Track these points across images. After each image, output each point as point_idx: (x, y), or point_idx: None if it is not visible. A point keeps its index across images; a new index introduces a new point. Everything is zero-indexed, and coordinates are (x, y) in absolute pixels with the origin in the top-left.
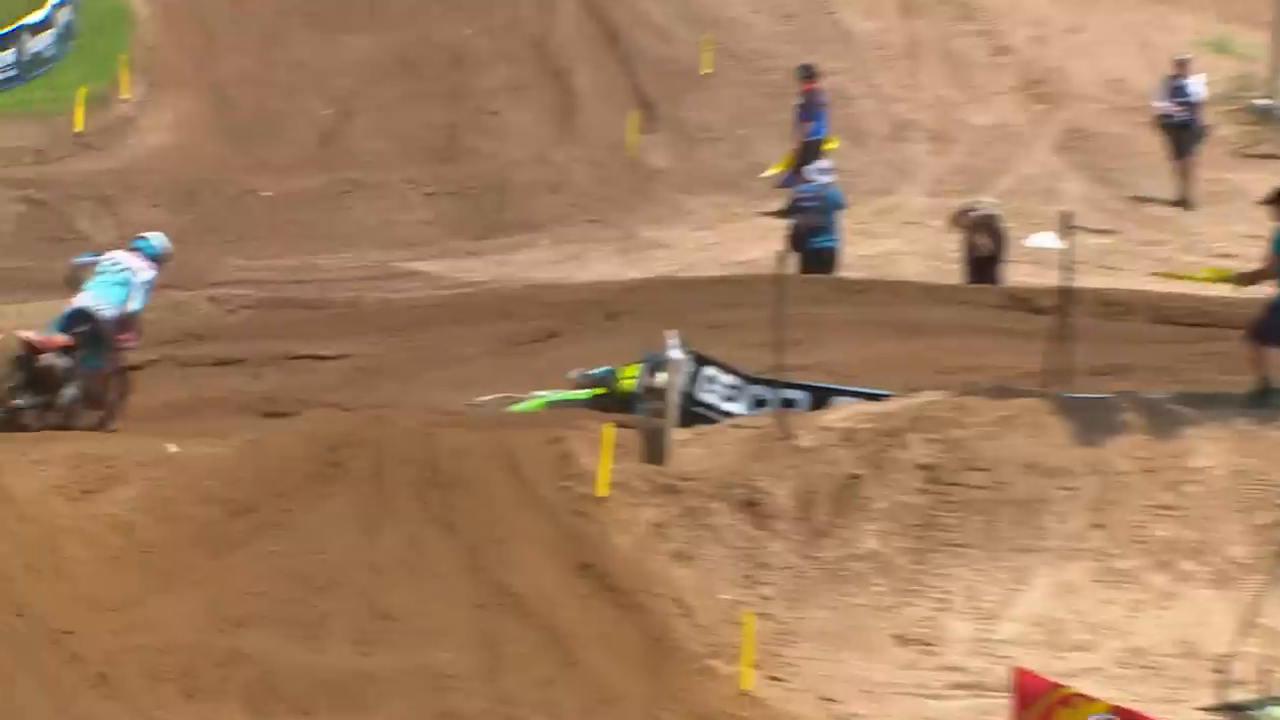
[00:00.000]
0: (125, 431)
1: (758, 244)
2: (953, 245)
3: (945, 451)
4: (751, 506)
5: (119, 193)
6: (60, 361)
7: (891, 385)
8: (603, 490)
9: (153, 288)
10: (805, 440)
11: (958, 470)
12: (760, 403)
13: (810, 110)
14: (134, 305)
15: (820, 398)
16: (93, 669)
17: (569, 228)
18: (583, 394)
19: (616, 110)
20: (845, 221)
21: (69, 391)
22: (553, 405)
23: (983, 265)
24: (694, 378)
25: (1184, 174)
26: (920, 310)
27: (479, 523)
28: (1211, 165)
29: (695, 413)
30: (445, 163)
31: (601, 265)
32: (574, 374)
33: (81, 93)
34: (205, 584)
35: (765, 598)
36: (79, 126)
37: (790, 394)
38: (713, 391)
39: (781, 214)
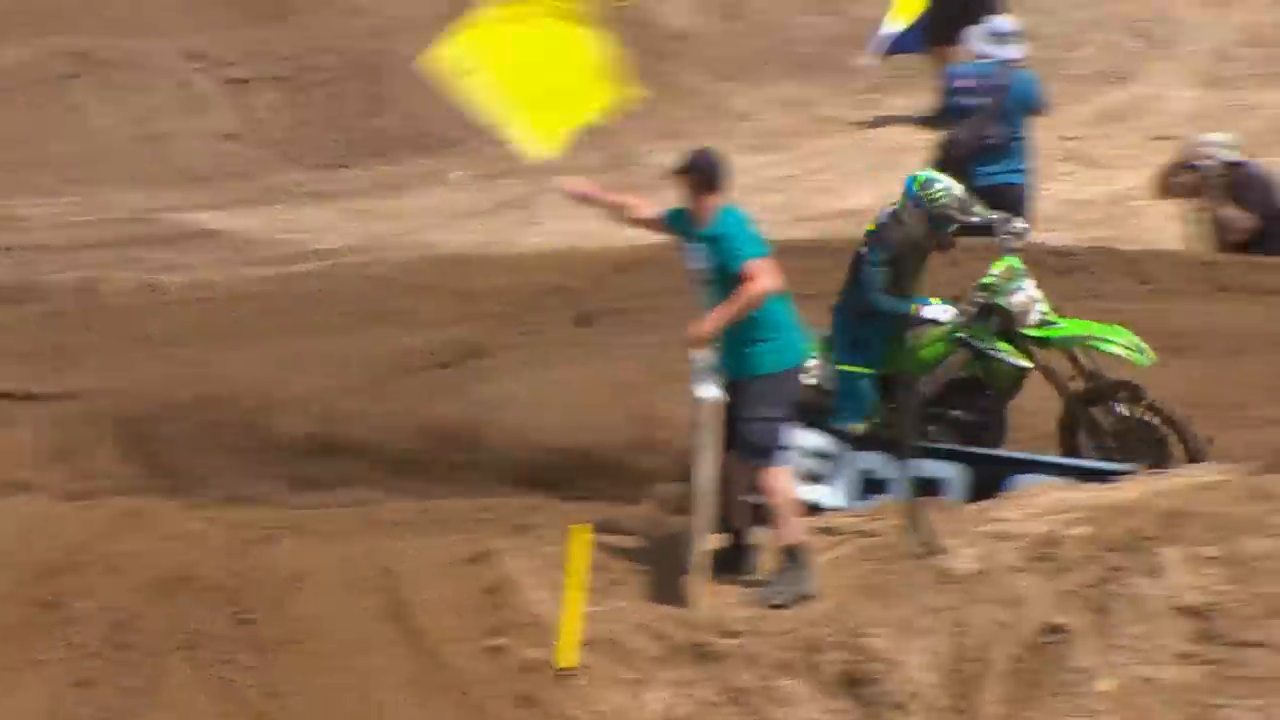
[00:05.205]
0: None
1: (870, 179)
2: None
3: (1235, 582)
4: (859, 687)
5: None
6: None
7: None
8: (569, 657)
9: None
10: (962, 560)
11: (1257, 618)
12: (874, 485)
13: None
14: None
15: (990, 475)
16: None
17: (506, 145)
18: None
19: None
20: (1041, 136)
21: None
22: None
23: (1245, 252)
24: None
25: None
26: (1187, 307)
27: None
28: None
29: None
30: (266, 23)
31: (567, 219)
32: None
33: None
34: None
35: None
36: None
37: (934, 467)
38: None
39: (927, 120)
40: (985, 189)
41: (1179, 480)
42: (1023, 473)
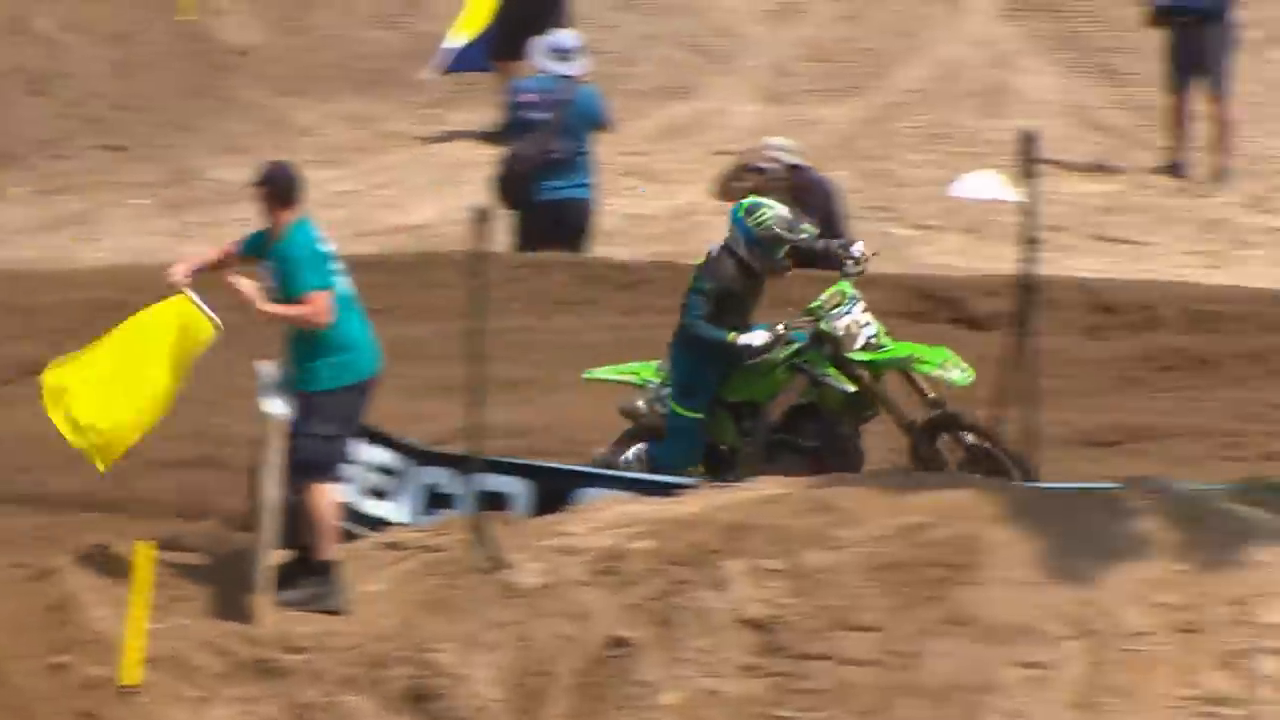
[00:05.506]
0: None
1: (432, 194)
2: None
3: (796, 595)
4: (425, 702)
5: None
6: None
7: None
8: (132, 674)
9: None
10: (528, 574)
11: (820, 630)
12: (440, 499)
13: None
14: None
15: (556, 488)
16: None
17: (65, 160)
18: None
19: None
20: (603, 151)
21: None
22: None
23: (807, 261)
24: None
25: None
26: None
27: None
28: None
29: None
30: None
31: (127, 235)
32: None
33: None
34: None
35: None
36: None
37: (499, 482)
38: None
39: (490, 135)
40: (550, 204)
41: (741, 494)
42: (588, 486)
